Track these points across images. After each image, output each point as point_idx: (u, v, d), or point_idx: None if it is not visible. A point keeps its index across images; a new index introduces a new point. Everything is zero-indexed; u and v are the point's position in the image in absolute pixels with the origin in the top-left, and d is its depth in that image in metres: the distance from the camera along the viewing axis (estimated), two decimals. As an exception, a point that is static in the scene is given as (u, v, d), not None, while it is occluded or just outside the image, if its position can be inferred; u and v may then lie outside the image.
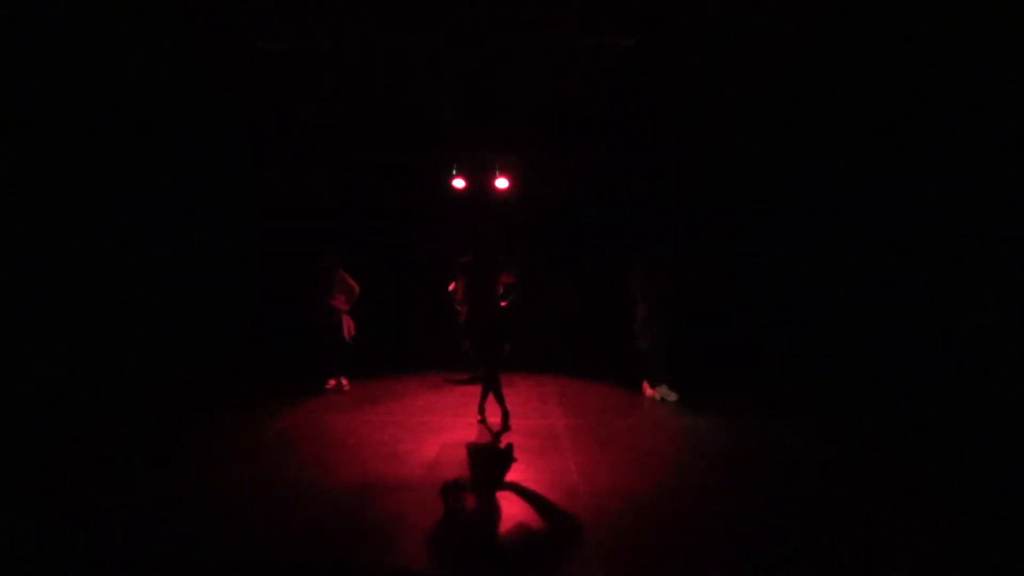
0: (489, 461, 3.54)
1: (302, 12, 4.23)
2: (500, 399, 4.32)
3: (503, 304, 4.35)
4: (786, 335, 6.20)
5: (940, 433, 3.91)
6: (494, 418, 4.45)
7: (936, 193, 4.31)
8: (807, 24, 4.24)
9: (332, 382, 5.35)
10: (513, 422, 4.37)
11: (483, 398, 4.42)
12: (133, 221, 5.78)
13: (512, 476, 3.28)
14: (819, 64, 4.76)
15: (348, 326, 5.31)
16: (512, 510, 2.86)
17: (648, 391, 5.19)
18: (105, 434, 3.97)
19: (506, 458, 3.55)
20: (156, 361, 5.91)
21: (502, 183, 6.29)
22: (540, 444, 3.88)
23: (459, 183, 6.33)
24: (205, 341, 6.74)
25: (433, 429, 4.25)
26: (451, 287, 4.87)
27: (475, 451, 3.73)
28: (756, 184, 6.43)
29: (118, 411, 4.57)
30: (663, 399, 5.04)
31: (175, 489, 3.06)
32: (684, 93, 5.42)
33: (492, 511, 2.84)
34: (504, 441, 3.91)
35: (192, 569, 2.34)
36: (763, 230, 6.53)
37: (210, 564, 2.37)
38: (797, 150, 5.89)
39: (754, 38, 4.45)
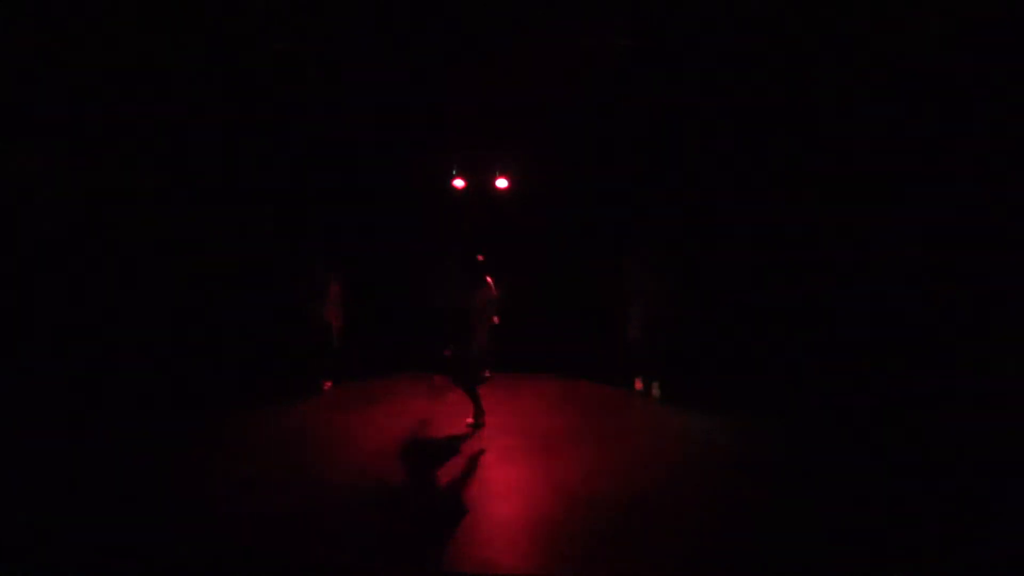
0: (489, 461, 3.55)
1: (302, 13, 4.22)
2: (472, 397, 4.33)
3: (495, 320, 4.32)
4: (786, 335, 6.20)
5: (941, 433, 3.91)
6: (493, 419, 4.46)
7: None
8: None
9: (328, 384, 5.38)
10: (513, 422, 4.38)
11: (475, 401, 4.35)
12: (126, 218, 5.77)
13: (512, 476, 3.28)
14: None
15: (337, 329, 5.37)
16: (512, 510, 2.86)
17: (638, 385, 5.36)
18: (104, 434, 3.96)
19: (506, 458, 3.56)
20: (155, 361, 5.90)
21: (501, 183, 6.29)
22: (540, 444, 3.89)
23: (459, 183, 6.31)
24: (204, 340, 6.75)
25: (433, 429, 4.25)
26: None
27: (475, 451, 3.74)
28: (756, 181, 6.42)
29: (117, 411, 4.57)
30: (648, 393, 5.22)
31: (175, 489, 3.06)
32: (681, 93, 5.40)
33: (492, 511, 2.85)
34: (504, 442, 3.92)
35: (191, 568, 2.35)
36: (760, 228, 6.52)
37: (209, 563, 2.37)
38: (794, 149, 5.87)
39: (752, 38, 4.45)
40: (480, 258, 4.26)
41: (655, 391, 5.22)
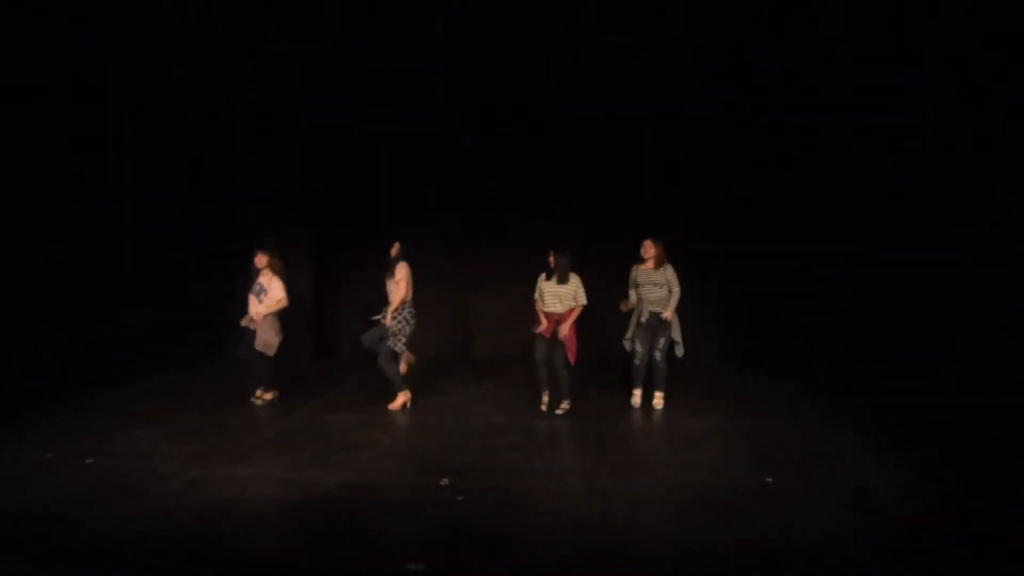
0: (489, 461, 3.54)
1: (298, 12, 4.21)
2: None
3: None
4: (786, 335, 6.20)
5: (942, 430, 3.90)
6: (494, 418, 4.47)
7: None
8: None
9: (269, 396, 4.92)
10: (513, 422, 4.38)
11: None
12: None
13: (512, 476, 3.28)
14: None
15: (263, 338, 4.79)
16: (512, 511, 2.86)
17: (636, 400, 4.85)
18: (98, 433, 3.96)
19: (506, 458, 3.56)
20: (152, 360, 5.91)
21: None
22: (540, 444, 3.89)
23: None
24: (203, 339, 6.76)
25: (433, 429, 4.25)
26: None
27: (475, 451, 3.73)
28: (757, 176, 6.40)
29: (112, 409, 4.57)
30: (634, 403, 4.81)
31: (175, 488, 3.06)
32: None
33: (492, 512, 2.84)
34: (504, 441, 3.91)
35: (191, 568, 2.34)
36: (759, 223, 6.49)
37: (209, 563, 2.37)
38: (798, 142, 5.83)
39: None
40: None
41: (658, 403, 4.79)
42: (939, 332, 4.17)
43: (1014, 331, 3.57)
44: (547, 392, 4.78)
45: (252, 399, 4.87)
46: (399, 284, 4.60)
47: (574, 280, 4.64)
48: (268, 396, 4.90)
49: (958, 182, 4.01)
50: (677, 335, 4.80)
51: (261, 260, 4.86)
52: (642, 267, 4.78)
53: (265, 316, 4.77)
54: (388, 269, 4.70)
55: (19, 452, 3.54)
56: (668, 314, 4.70)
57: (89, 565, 2.34)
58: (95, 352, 5.31)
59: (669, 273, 4.75)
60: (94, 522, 2.65)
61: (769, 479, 3.20)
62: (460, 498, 2.94)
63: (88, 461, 3.41)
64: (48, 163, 4.87)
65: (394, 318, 4.60)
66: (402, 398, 4.77)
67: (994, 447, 3.48)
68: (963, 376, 3.84)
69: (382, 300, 4.81)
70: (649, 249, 4.75)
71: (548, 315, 4.64)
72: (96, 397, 4.90)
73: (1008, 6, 3.42)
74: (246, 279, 4.90)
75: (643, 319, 4.73)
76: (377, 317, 4.70)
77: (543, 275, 4.73)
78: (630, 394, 4.89)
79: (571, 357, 4.63)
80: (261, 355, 4.79)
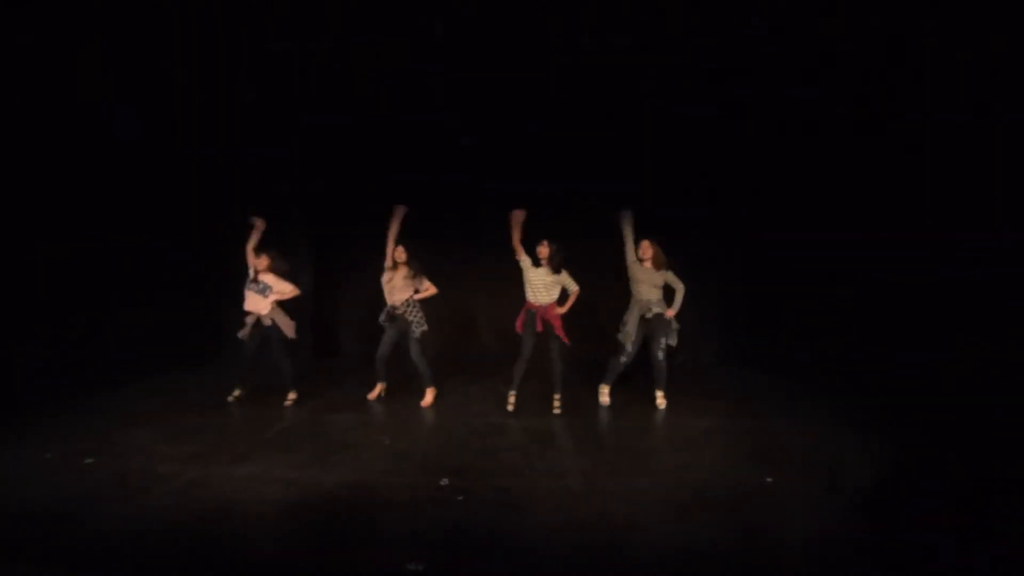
0: (489, 461, 3.54)
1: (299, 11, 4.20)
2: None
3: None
4: (786, 335, 6.19)
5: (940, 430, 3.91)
6: (494, 418, 4.46)
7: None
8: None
9: (293, 395, 4.96)
10: (513, 422, 4.38)
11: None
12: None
13: (512, 476, 3.28)
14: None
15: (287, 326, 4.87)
16: (512, 511, 2.86)
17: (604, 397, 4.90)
18: (98, 433, 3.96)
19: (506, 458, 3.56)
20: (152, 360, 5.91)
21: None
22: (540, 444, 3.89)
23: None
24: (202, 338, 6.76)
25: (433, 429, 4.25)
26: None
27: (475, 451, 3.73)
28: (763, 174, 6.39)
29: (112, 409, 4.57)
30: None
31: (175, 488, 3.06)
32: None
33: (492, 512, 2.84)
34: (504, 441, 3.91)
35: (191, 568, 2.34)
36: (763, 219, 6.48)
37: (209, 563, 2.37)
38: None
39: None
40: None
41: (660, 402, 4.80)
42: (939, 332, 4.17)
43: (1014, 331, 3.57)
44: (515, 393, 4.79)
45: (284, 402, 4.88)
46: (429, 288, 4.99)
47: (563, 270, 4.71)
48: (293, 395, 4.95)
49: (958, 182, 4.01)
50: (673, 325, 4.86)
51: (262, 263, 4.85)
52: (644, 265, 4.84)
53: (275, 307, 4.83)
54: (412, 265, 4.89)
55: (19, 452, 3.54)
56: (671, 312, 4.79)
57: (89, 565, 2.33)
58: (95, 352, 5.32)
59: (670, 277, 4.85)
60: (94, 522, 2.64)
61: (769, 479, 3.20)
62: (460, 498, 2.94)
63: (88, 461, 3.41)
64: (48, 163, 4.87)
65: (409, 311, 4.83)
66: (431, 393, 4.92)
67: (994, 447, 3.48)
68: (963, 376, 3.85)
69: (381, 300, 4.85)
70: (647, 250, 4.81)
71: (537, 307, 4.67)
72: (96, 397, 4.90)
73: (1007, 6, 3.43)
74: (244, 274, 4.92)
75: (648, 315, 4.76)
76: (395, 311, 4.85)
77: (528, 263, 4.70)
78: (598, 392, 4.97)
79: (566, 341, 4.70)
80: (287, 357, 4.89)
